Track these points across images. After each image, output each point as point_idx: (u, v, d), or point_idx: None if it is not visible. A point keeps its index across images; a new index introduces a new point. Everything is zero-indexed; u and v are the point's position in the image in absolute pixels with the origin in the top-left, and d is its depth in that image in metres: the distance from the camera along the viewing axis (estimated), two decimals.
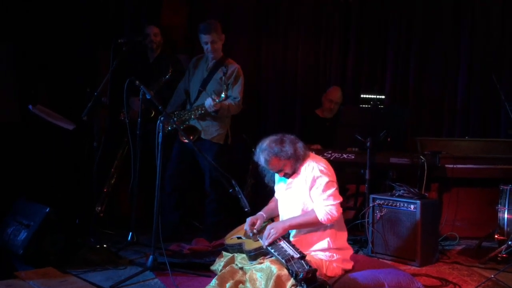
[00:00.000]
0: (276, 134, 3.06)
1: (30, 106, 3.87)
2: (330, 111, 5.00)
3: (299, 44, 5.49)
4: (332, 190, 2.96)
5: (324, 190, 2.94)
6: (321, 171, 2.98)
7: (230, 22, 5.20)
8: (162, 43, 4.64)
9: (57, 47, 4.47)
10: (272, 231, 2.91)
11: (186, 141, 4.04)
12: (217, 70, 4.23)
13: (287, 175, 3.08)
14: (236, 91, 4.19)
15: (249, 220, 3.13)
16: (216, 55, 4.24)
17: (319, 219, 2.92)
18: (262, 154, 2.99)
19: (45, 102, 4.12)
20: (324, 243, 3.01)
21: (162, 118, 3.42)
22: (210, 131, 4.22)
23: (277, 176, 3.23)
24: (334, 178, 3.03)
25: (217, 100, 3.98)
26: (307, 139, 4.69)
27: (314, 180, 2.96)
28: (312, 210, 2.96)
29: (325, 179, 2.96)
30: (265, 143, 3.00)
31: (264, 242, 2.90)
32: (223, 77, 4.10)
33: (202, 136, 4.19)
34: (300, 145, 3.03)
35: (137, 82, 3.62)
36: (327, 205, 2.92)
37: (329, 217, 2.91)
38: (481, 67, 5.40)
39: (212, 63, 4.28)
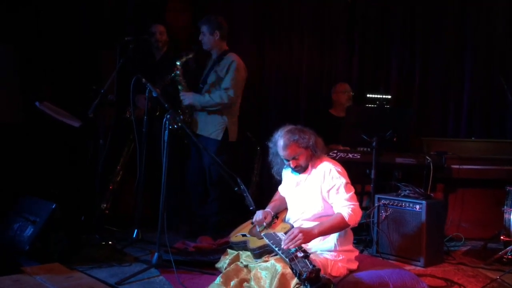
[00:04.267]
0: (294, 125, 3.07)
1: (37, 103, 3.88)
2: (349, 100, 5.01)
3: (304, 44, 5.46)
4: (352, 192, 2.97)
5: (345, 192, 2.94)
6: (339, 172, 2.99)
7: (234, 22, 5.20)
8: (168, 42, 4.66)
9: (61, 46, 4.47)
10: (300, 235, 2.71)
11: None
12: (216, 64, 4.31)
13: (298, 168, 3.06)
14: (227, 81, 4.21)
15: (260, 212, 3.12)
16: (207, 47, 4.30)
17: (347, 220, 2.87)
18: (282, 138, 2.99)
19: (50, 100, 4.14)
20: (330, 244, 3.00)
21: (168, 116, 3.43)
22: (207, 128, 4.27)
23: (285, 172, 3.23)
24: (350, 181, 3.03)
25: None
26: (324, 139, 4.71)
27: (333, 182, 2.96)
28: (338, 214, 2.91)
29: (344, 181, 2.96)
30: (286, 129, 3.01)
31: (286, 243, 2.68)
32: (216, 67, 4.22)
33: (200, 132, 4.26)
34: (320, 140, 3.05)
35: (143, 79, 3.63)
36: (350, 205, 2.90)
37: (354, 216, 2.89)
38: (487, 67, 5.39)
39: (214, 58, 4.34)
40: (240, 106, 4.45)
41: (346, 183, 2.97)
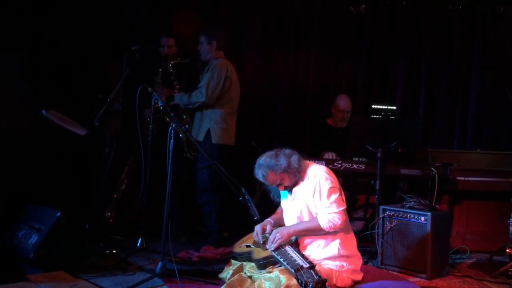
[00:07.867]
0: (271, 149, 3.08)
1: (43, 111, 3.91)
2: (344, 120, 4.99)
3: (310, 55, 5.47)
4: (335, 196, 2.95)
5: (326, 197, 2.94)
6: (322, 178, 2.99)
7: (241, 32, 5.24)
8: (176, 54, 4.66)
9: (68, 55, 4.51)
10: (277, 235, 2.95)
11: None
12: None
13: (288, 188, 3.08)
14: (203, 80, 4.32)
15: (258, 227, 3.13)
16: (205, 58, 4.42)
17: (322, 227, 2.93)
18: (260, 170, 3.03)
19: (57, 108, 4.16)
20: (334, 249, 2.99)
21: (173, 125, 3.44)
22: (193, 130, 4.38)
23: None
24: (337, 184, 3.02)
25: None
26: (320, 149, 4.72)
27: (315, 187, 2.97)
28: (315, 218, 2.98)
29: (326, 186, 2.95)
30: (261, 160, 3.04)
31: (270, 246, 2.94)
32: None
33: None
34: (294, 158, 3.02)
35: (149, 89, 3.65)
36: (330, 213, 2.92)
37: (331, 225, 2.92)
38: (493, 79, 5.39)
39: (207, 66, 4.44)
40: (246, 114, 4.44)
41: (330, 188, 2.96)
